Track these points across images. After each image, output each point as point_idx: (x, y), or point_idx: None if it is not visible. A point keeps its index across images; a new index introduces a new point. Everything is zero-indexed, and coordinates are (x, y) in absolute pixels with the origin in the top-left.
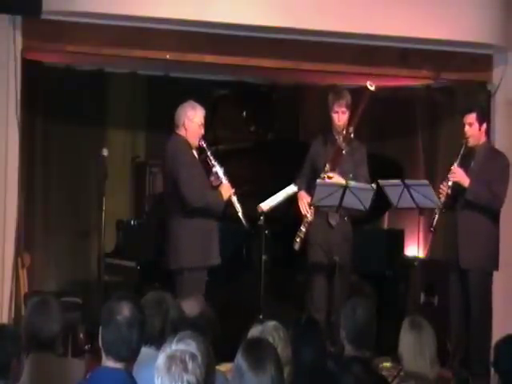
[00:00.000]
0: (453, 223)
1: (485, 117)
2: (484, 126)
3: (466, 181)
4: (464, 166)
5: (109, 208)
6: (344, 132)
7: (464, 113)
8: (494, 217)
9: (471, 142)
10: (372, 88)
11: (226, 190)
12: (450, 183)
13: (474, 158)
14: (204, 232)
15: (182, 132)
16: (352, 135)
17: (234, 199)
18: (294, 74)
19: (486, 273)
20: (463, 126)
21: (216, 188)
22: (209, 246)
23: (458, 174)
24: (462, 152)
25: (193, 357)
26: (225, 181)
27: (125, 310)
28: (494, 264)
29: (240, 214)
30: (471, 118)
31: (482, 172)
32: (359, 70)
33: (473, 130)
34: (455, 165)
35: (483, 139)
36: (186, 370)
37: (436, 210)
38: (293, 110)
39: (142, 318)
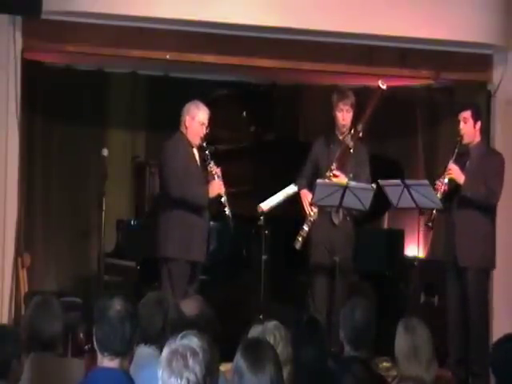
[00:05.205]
0: (450, 222)
1: (480, 116)
2: (478, 124)
3: (461, 178)
4: (459, 165)
5: (109, 208)
6: (352, 131)
7: (459, 110)
8: (491, 215)
9: (466, 140)
10: (384, 87)
11: (215, 188)
12: (445, 180)
13: (469, 158)
14: (185, 225)
15: (183, 130)
16: (361, 134)
17: (224, 199)
18: (293, 74)
19: (483, 271)
20: (458, 123)
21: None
22: (189, 241)
23: (454, 171)
24: (456, 149)
25: (194, 353)
26: (216, 178)
27: (115, 305)
28: (491, 262)
29: (228, 213)
30: (466, 114)
31: (478, 171)
32: (359, 69)
33: (468, 126)
34: (451, 162)
35: (478, 138)
36: (186, 366)
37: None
38: (293, 110)
39: (132, 311)
